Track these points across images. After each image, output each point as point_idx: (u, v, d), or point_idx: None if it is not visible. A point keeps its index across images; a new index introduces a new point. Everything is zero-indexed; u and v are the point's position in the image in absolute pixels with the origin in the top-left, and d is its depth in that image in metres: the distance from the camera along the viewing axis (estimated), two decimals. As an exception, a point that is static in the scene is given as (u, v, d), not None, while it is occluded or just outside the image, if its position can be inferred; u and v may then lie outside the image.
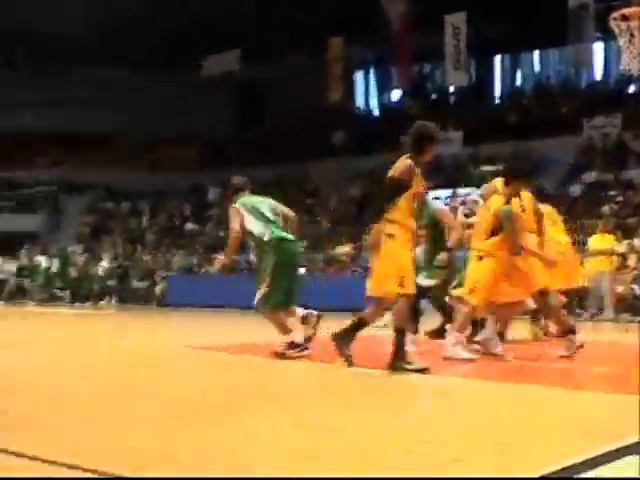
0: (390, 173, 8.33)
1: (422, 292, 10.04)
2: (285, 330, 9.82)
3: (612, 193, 27.06)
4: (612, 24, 15.28)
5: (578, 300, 19.17)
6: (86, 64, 39.38)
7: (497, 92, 40.32)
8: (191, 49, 35.67)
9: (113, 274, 31.53)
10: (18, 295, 31.79)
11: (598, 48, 34.80)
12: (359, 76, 43.92)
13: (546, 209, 11.16)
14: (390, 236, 8.15)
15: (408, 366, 8.05)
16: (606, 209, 24.57)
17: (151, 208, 40.07)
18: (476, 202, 11.57)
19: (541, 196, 11.63)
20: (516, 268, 9.39)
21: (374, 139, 34.85)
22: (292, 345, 9.57)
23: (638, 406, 5.60)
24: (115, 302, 30.37)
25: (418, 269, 9.40)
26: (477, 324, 10.36)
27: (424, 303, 11.38)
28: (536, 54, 39.89)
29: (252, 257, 22.65)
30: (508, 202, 9.46)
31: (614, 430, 5.11)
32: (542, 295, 9.59)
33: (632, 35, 15.02)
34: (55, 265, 31.90)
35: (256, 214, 10.04)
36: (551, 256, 9.84)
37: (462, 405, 6.56)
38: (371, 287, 8.56)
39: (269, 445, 4.77)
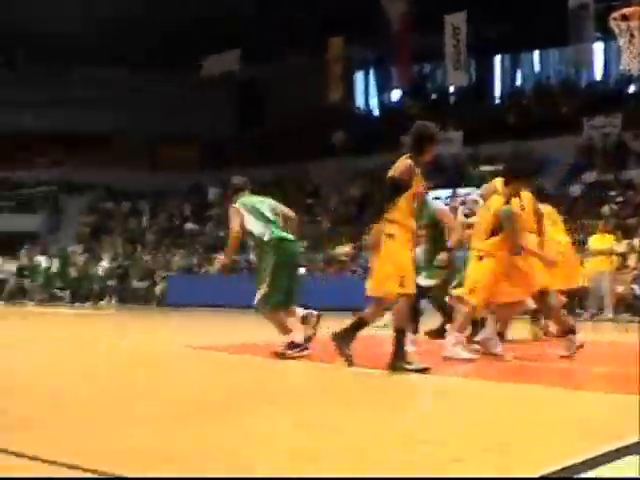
0: (390, 173, 8.33)
1: (422, 292, 10.03)
2: (285, 330, 9.82)
3: (612, 193, 27.05)
4: (612, 24, 15.27)
5: (578, 300, 19.19)
6: (86, 64, 39.37)
7: (497, 92, 40.30)
8: (191, 49, 35.66)
9: (113, 274, 31.54)
10: (18, 295, 31.80)
11: (598, 48, 34.78)
12: (359, 76, 43.90)
13: (546, 209, 11.16)
14: (390, 236, 8.15)
15: (408, 366, 8.05)
16: (606, 209, 24.57)
17: (151, 208, 40.08)
18: (476, 202, 11.57)
19: (541, 196, 11.63)
20: (516, 268, 9.39)
21: (374, 139, 34.87)
22: (292, 345, 9.58)
23: (638, 406, 5.60)
24: (115, 302, 30.39)
25: (418, 269, 9.40)
26: (477, 324, 10.36)
27: (424, 303, 11.37)
28: (536, 54, 39.87)
29: (252, 257, 22.68)
30: (508, 202, 9.46)
31: (614, 430, 5.11)
32: (542, 295, 9.59)
33: (632, 35, 15.01)
34: (55, 265, 31.89)
35: (256, 214, 10.05)
36: (551, 256, 9.84)
37: (462, 405, 6.56)
38: (371, 287, 8.56)
39: (269, 445, 4.77)
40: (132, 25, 35.17)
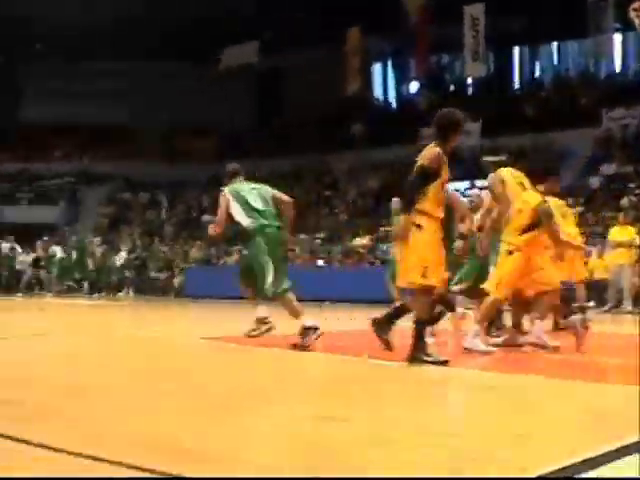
0: (419, 162, 8.18)
1: None
2: (297, 313, 9.86)
3: (631, 185, 26.94)
4: (632, 15, 15.20)
5: (597, 292, 19.15)
6: (104, 56, 39.47)
7: (516, 84, 40.17)
8: (210, 40, 35.69)
9: (131, 265, 31.63)
10: (35, 287, 31.91)
11: (617, 39, 34.60)
12: (377, 67, 43.82)
13: (555, 202, 11.14)
14: (418, 227, 8.03)
15: (427, 358, 7.99)
16: (625, 201, 24.43)
17: (169, 199, 40.15)
18: (479, 196, 11.56)
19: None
20: (542, 262, 9.44)
21: (392, 130, 34.82)
22: (306, 331, 9.56)
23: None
24: (132, 293, 30.45)
25: None
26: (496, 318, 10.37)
27: None
28: (555, 45, 39.70)
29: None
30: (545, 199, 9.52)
31: (634, 422, 5.07)
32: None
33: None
34: (73, 256, 31.94)
35: (241, 202, 10.26)
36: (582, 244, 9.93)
37: (480, 398, 6.53)
38: (398, 278, 8.54)
39: (288, 437, 4.76)
40: (151, 16, 35.24)
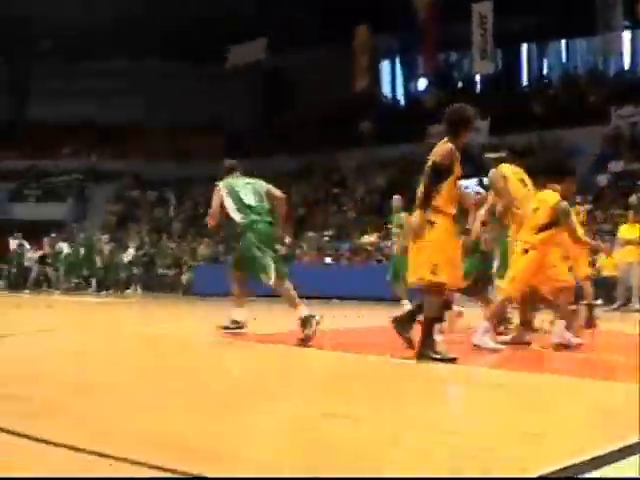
0: (432, 158, 8.12)
1: None
2: (295, 303, 9.95)
3: (640, 183, 26.90)
4: (641, 12, 15.15)
5: (606, 290, 19.12)
6: (113, 55, 39.53)
7: (524, 81, 40.11)
8: (218, 38, 35.70)
9: (139, 262, 31.64)
10: (42, 284, 31.95)
11: (626, 37, 34.54)
12: (385, 65, 43.78)
13: None
14: (430, 224, 8.01)
15: (436, 355, 7.96)
16: (634, 199, 24.35)
17: (177, 197, 40.18)
18: (478, 193, 11.55)
19: None
20: (555, 260, 9.44)
21: (400, 128, 34.78)
22: (305, 321, 9.62)
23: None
24: (140, 290, 30.45)
25: None
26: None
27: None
28: (563, 43, 39.62)
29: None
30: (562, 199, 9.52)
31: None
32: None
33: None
34: (80, 252, 31.92)
35: (234, 197, 10.47)
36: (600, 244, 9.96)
37: (488, 396, 6.51)
38: (408, 274, 8.51)
39: (296, 434, 4.75)
40: (159, 15, 35.28)
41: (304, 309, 9.75)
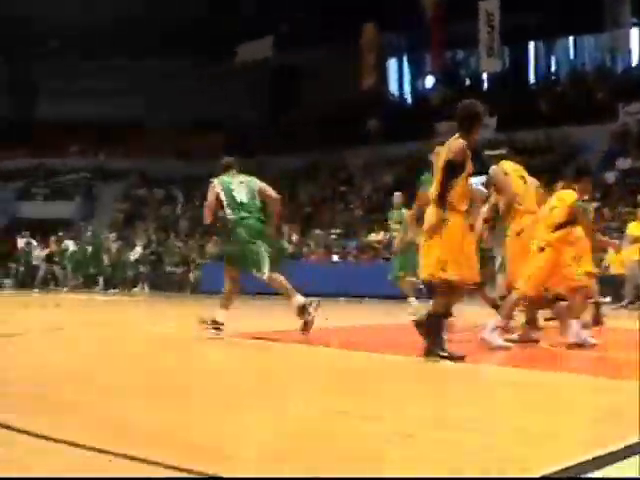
0: (444, 156, 8.11)
1: None
2: (289, 293, 10.20)
3: (648, 180, 26.86)
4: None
5: (614, 288, 19.08)
6: (118, 54, 39.54)
7: (531, 79, 40.03)
8: (224, 36, 35.72)
9: (146, 260, 31.64)
10: (50, 282, 31.98)
11: (634, 34, 34.48)
12: (392, 63, 43.72)
13: None
14: (443, 221, 8.00)
15: (443, 353, 7.95)
16: (641, 197, 24.36)
17: (184, 195, 40.18)
18: (480, 190, 11.56)
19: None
20: (569, 259, 9.45)
21: (407, 126, 34.74)
22: (303, 309, 9.74)
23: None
24: (148, 289, 30.44)
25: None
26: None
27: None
28: (571, 40, 39.53)
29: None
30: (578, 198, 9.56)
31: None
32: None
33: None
34: (88, 251, 31.92)
35: (227, 194, 10.66)
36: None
37: (496, 393, 6.52)
38: (419, 270, 8.52)
39: (304, 433, 4.76)
40: (163, 12, 35.30)
41: (299, 298, 9.90)
